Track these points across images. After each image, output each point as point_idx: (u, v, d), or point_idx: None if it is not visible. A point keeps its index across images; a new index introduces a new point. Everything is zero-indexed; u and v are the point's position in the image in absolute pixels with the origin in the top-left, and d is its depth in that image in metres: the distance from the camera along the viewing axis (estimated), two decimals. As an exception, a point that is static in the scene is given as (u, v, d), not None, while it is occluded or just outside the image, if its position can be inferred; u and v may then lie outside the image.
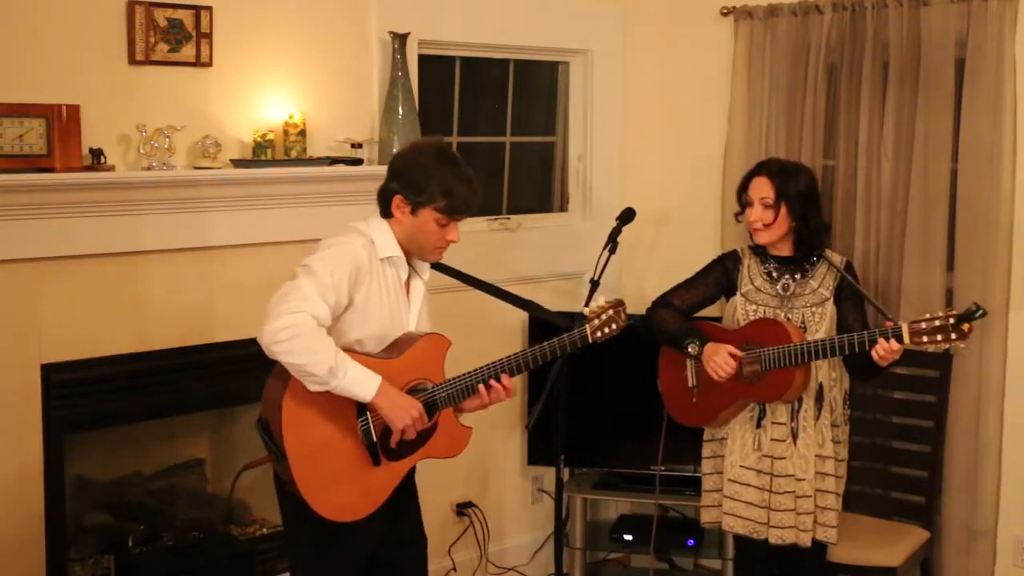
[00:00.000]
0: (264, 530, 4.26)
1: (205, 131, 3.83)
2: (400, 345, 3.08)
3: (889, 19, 4.34)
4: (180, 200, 3.78)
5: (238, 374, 3.95)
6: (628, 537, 4.68)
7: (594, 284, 3.94)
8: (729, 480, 3.71)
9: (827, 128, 4.56)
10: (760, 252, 3.75)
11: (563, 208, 5.16)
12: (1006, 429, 4.24)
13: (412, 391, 3.05)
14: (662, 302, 3.81)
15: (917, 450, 4.28)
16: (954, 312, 3.31)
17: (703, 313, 3.87)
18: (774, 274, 3.71)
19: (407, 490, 3.21)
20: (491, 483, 4.88)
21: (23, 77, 3.52)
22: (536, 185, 5.20)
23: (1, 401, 3.54)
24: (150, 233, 3.74)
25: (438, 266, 3.27)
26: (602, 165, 5.08)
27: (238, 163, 3.91)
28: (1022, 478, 4.25)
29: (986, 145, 4.15)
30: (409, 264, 3.13)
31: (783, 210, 3.61)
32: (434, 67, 4.64)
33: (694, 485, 3.89)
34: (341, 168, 4.06)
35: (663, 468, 4.17)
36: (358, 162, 4.11)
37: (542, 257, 4.90)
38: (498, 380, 3.12)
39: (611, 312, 3.22)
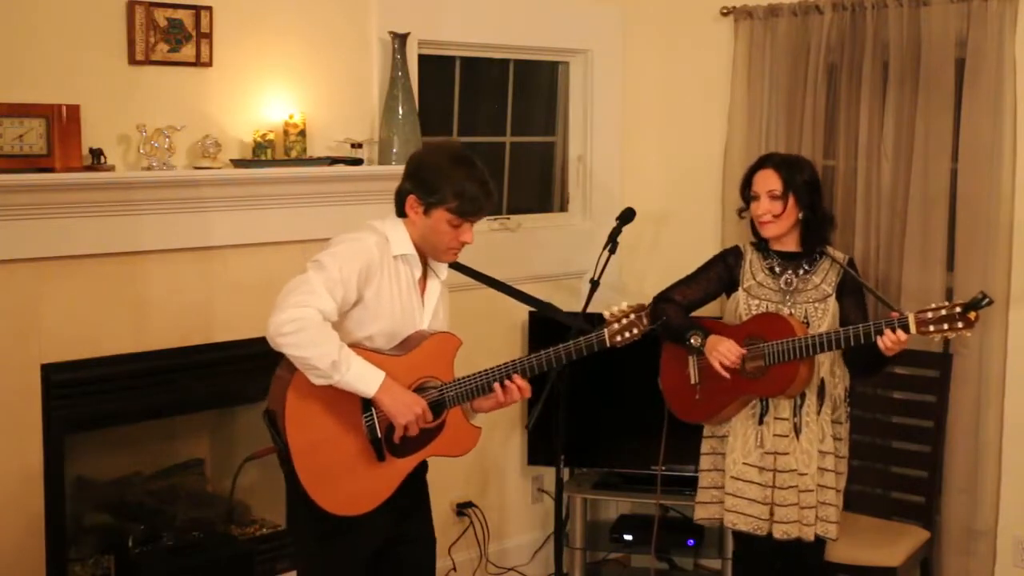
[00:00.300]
0: (264, 530, 4.26)
1: (205, 131, 3.83)
2: (410, 343, 3.08)
3: (889, 19, 4.34)
4: (180, 200, 3.78)
5: (238, 374, 3.95)
6: (628, 537, 4.68)
7: (594, 284, 3.94)
8: (732, 477, 3.71)
9: (827, 128, 4.56)
10: (762, 248, 3.75)
11: (563, 208, 5.16)
12: (1006, 429, 4.24)
13: (420, 389, 3.05)
14: (663, 298, 3.81)
15: (917, 450, 4.28)
16: (960, 301, 3.31)
17: (703, 312, 3.87)
18: (777, 269, 3.71)
19: (418, 488, 3.22)
20: (491, 483, 4.89)
21: (23, 77, 3.52)
22: (536, 185, 5.20)
23: (1, 401, 3.54)
24: (150, 233, 3.74)
25: (455, 265, 3.27)
26: (602, 165, 5.08)
27: (238, 163, 3.91)
28: (1022, 478, 4.25)
29: (986, 145, 4.15)
30: (426, 263, 3.13)
31: (791, 200, 3.62)
32: (434, 67, 4.64)
33: (694, 485, 3.89)
34: (341, 168, 4.06)
35: (664, 468, 4.17)
36: (358, 162, 4.11)
37: (542, 257, 4.90)
38: (510, 380, 3.10)
39: (632, 317, 3.15)
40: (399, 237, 3.06)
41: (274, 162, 3.94)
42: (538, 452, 4.74)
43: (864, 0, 4.38)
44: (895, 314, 3.39)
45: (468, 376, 3.10)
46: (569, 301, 4.71)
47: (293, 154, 3.98)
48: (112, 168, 3.62)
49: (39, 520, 3.63)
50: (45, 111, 3.48)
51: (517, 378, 3.11)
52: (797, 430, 3.64)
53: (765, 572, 3.81)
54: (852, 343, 3.44)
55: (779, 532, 3.66)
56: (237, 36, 3.93)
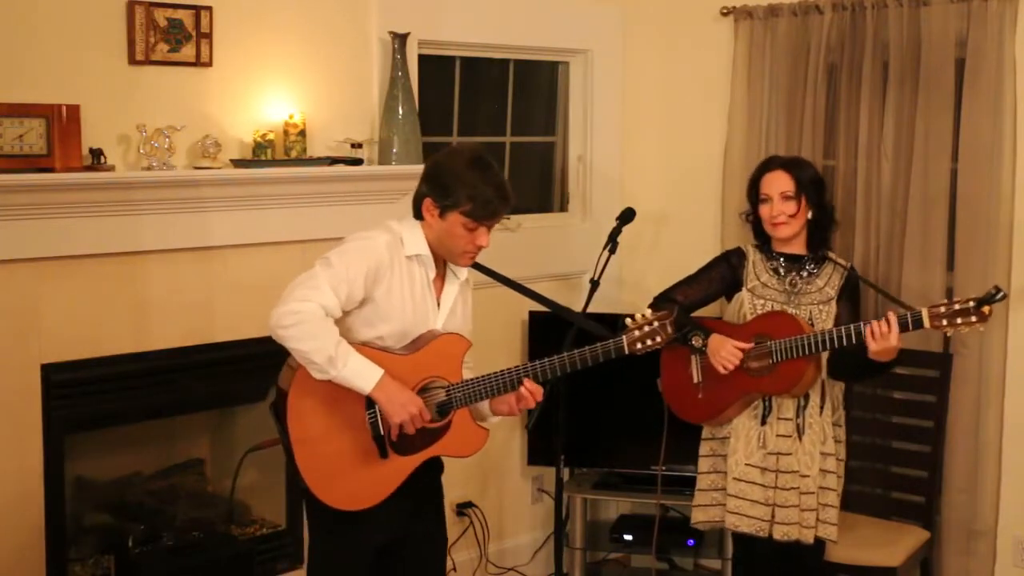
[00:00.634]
0: (264, 530, 4.26)
1: (205, 131, 3.83)
2: (419, 343, 3.08)
3: (889, 19, 4.34)
4: (180, 200, 3.78)
5: (238, 374, 3.95)
6: (628, 537, 4.68)
7: (594, 284, 3.94)
8: (734, 479, 3.70)
9: (827, 128, 4.56)
10: (765, 249, 3.75)
11: (563, 208, 5.16)
12: (1006, 429, 4.24)
13: (425, 389, 3.05)
14: (664, 297, 3.80)
15: (917, 450, 4.28)
16: (974, 296, 3.32)
17: (704, 312, 3.87)
18: (781, 271, 3.71)
19: (430, 487, 3.23)
20: (491, 483, 4.88)
21: (23, 77, 3.51)
22: (536, 185, 5.20)
23: (1, 401, 3.54)
24: (150, 233, 3.74)
25: (478, 266, 3.26)
26: (602, 165, 5.08)
27: (238, 163, 3.91)
28: (1022, 478, 4.25)
29: (986, 145, 4.15)
30: (444, 265, 3.14)
31: (803, 199, 3.63)
32: (434, 67, 4.64)
33: (694, 485, 3.89)
34: (341, 168, 4.06)
35: (664, 468, 4.17)
36: (358, 162, 4.11)
37: (542, 257, 4.90)
38: (521, 384, 3.08)
39: (655, 325, 3.08)
40: (414, 238, 3.06)
41: (274, 162, 3.94)
42: (538, 452, 4.74)
43: (864, 0, 4.38)
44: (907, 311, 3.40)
45: (477, 378, 3.09)
46: (569, 301, 4.68)
47: (293, 154, 3.98)
48: (112, 168, 3.62)
49: (39, 520, 3.63)
50: (45, 111, 3.48)
51: (528, 383, 3.08)
52: (800, 431, 3.64)
53: (765, 575, 3.81)
54: (863, 339, 3.41)
55: (779, 533, 3.65)
56: (237, 36, 3.92)
